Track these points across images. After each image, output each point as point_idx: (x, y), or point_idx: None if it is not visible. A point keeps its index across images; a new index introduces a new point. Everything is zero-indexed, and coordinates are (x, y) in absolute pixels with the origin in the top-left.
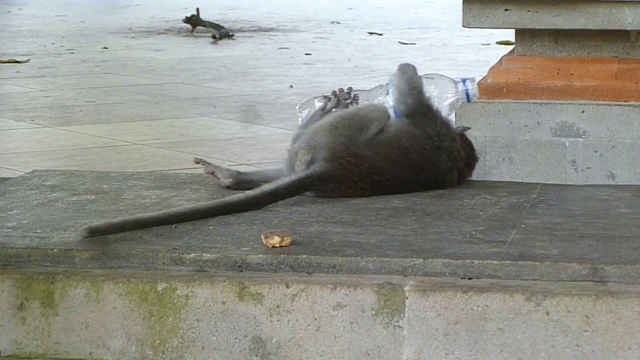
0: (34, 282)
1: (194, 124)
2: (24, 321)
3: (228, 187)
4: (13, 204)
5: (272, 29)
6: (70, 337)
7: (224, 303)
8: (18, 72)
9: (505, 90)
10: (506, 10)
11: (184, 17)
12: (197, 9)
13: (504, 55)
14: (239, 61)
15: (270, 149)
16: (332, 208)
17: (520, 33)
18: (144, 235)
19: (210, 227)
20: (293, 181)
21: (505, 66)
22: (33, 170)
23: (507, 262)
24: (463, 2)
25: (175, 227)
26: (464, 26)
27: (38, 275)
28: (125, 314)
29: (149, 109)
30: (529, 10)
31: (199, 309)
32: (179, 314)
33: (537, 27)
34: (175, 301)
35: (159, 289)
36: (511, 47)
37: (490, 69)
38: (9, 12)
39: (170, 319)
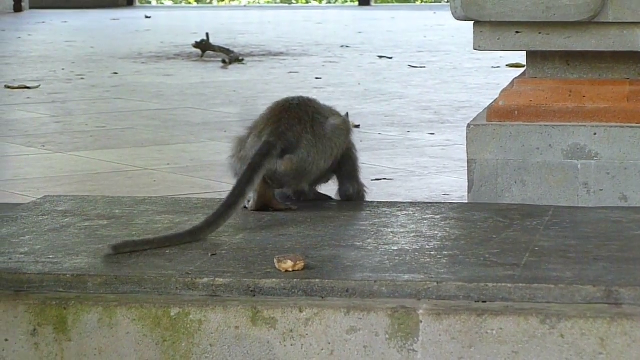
0: (47, 307)
1: (204, 149)
2: (37, 347)
3: None
4: (25, 230)
5: (281, 53)
6: None
7: (237, 328)
8: (28, 98)
9: (517, 112)
10: (517, 32)
11: (193, 42)
12: (207, 34)
13: (515, 78)
14: (249, 85)
15: None
16: (345, 232)
17: (531, 55)
18: (157, 260)
19: (223, 252)
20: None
21: (517, 89)
22: (45, 196)
23: (521, 285)
24: (474, 25)
25: (212, 255)
26: (475, 49)
27: (51, 300)
28: (139, 339)
29: (159, 134)
30: (540, 33)
31: (212, 333)
32: (192, 339)
33: (548, 49)
34: (188, 326)
35: (172, 314)
36: (522, 69)
37: (501, 92)
38: (19, 38)
39: (183, 344)
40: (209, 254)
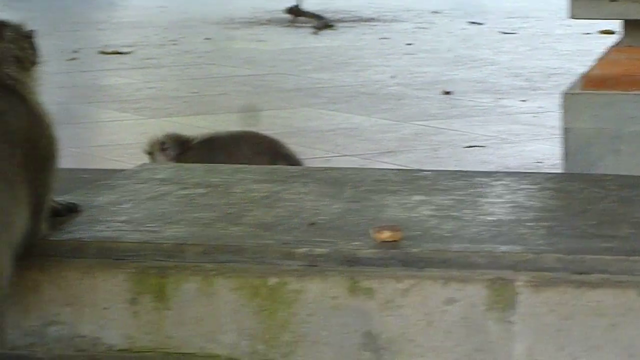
0: (146, 276)
1: (296, 115)
2: (137, 315)
3: None
4: (124, 198)
5: (372, 19)
6: (182, 332)
7: (334, 298)
8: (122, 63)
9: (612, 81)
10: (612, 1)
11: (285, 8)
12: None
13: (610, 46)
14: (340, 52)
15: (373, 139)
16: (442, 201)
17: (627, 24)
18: (255, 229)
19: (322, 222)
20: None
21: (612, 57)
22: (142, 164)
23: (619, 257)
24: None
25: (310, 224)
26: (570, 17)
27: (150, 269)
28: (237, 308)
29: (251, 99)
30: (635, 1)
31: (310, 303)
32: (290, 309)
33: None
34: (286, 296)
35: (270, 283)
36: (613, 36)
37: (596, 60)
38: (112, 3)
39: (281, 314)
40: (307, 224)
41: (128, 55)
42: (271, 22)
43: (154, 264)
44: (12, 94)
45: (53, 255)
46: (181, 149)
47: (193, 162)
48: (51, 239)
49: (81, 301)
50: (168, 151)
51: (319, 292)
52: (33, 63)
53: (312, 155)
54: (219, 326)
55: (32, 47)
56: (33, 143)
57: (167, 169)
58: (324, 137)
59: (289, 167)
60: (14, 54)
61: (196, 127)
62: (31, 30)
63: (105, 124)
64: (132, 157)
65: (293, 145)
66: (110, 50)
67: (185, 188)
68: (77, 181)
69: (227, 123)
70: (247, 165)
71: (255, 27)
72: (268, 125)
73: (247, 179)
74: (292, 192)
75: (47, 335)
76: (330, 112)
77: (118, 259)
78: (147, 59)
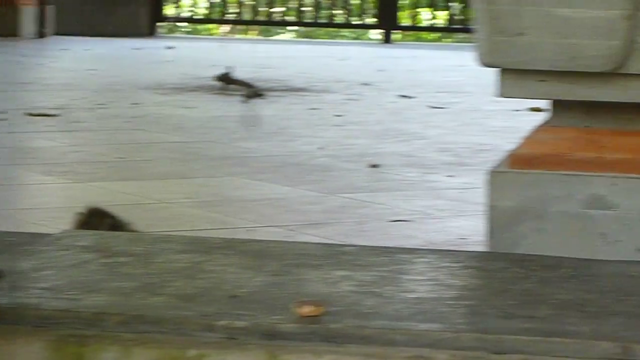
0: (64, 344)
1: (224, 184)
2: None
3: None
4: (46, 264)
5: (302, 89)
6: None
7: None
8: (49, 125)
9: (537, 160)
10: (542, 81)
11: (215, 75)
12: (229, 67)
13: (537, 125)
14: (271, 120)
15: (300, 211)
16: (364, 277)
17: (554, 104)
18: (176, 300)
19: (243, 294)
20: None
21: (538, 136)
22: (64, 230)
23: (538, 338)
24: (498, 72)
25: (231, 297)
26: (498, 96)
27: (69, 337)
28: None
29: (179, 167)
30: (564, 82)
31: None
32: None
33: (572, 98)
34: None
35: (189, 355)
36: (542, 113)
37: (523, 139)
38: (41, 65)
39: None
40: (228, 296)
41: (55, 117)
42: (201, 88)
43: (74, 332)
44: None
45: None
46: None
47: None
48: None
49: None
50: None
51: None
52: None
53: (236, 225)
54: None
55: None
56: None
57: (89, 236)
58: (249, 207)
59: (212, 237)
60: None
61: (121, 192)
62: None
63: (29, 186)
64: (56, 221)
65: (219, 214)
66: (37, 112)
67: (107, 256)
68: (1, 244)
69: (153, 190)
70: (169, 235)
71: (184, 93)
72: (195, 194)
73: (169, 249)
74: (214, 263)
75: None
76: (256, 181)
77: (38, 326)
78: (75, 122)
